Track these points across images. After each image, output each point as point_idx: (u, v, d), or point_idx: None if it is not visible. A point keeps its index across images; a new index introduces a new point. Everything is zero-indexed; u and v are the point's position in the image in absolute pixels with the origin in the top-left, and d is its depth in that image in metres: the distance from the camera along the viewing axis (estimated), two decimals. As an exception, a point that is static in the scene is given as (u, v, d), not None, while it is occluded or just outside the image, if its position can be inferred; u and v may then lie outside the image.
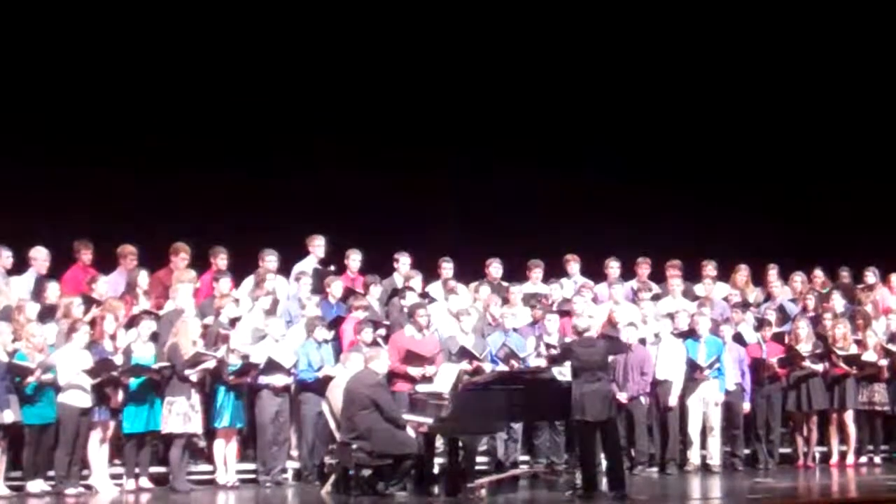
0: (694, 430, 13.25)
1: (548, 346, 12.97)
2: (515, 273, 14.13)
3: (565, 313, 13.46)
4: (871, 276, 15.02)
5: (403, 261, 13.74)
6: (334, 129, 15.71)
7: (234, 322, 12.26)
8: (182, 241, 12.91)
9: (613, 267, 14.35)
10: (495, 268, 13.99)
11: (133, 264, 12.69)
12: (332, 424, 11.61)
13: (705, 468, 13.26)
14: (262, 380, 12.03)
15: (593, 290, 14.06)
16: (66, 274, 12.53)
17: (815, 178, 17.41)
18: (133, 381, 11.65)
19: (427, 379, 12.19)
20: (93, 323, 11.71)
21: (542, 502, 11.84)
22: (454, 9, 16.34)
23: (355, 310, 12.65)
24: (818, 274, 15.14)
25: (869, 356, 13.75)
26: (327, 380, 12.00)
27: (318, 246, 13.52)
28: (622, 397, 12.80)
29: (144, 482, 11.83)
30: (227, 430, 12.00)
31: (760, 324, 13.88)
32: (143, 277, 12.45)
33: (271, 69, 15.57)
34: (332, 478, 11.60)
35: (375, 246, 13.91)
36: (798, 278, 14.92)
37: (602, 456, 11.47)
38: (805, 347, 13.64)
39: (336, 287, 12.96)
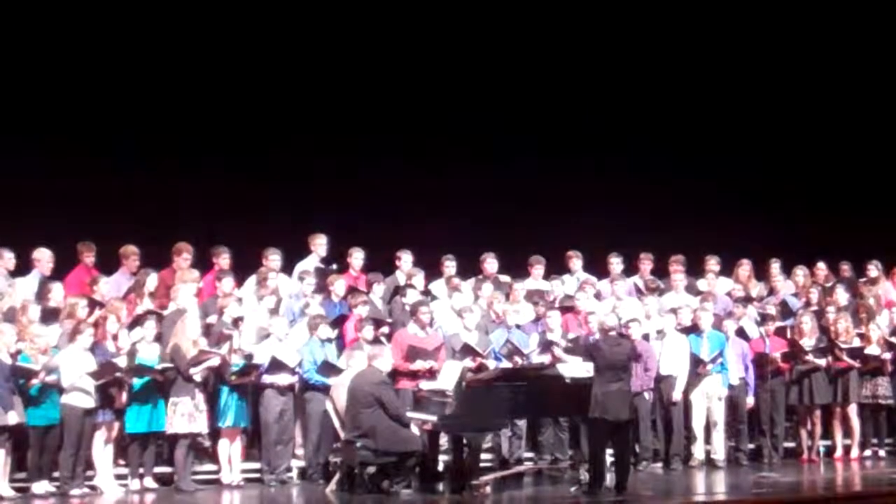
0: (698, 425, 13.25)
1: (550, 342, 12.96)
2: (518, 270, 14.12)
3: (567, 310, 13.48)
4: (873, 269, 15.01)
5: (405, 259, 13.74)
6: (336, 127, 15.71)
7: (236, 321, 12.27)
8: (184, 241, 12.91)
9: (616, 263, 14.37)
10: (490, 263, 13.96)
11: (136, 265, 12.70)
12: (337, 423, 11.62)
13: (709, 463, 13.26)
14: (267, 379, 12.04)
15: (596, 286, 14.06)
16: (70, 275, 12.53)
17: (817, 173, 17.40)
18: (137, 382, 11.65)
19: (431, 375, 12.20)
20: (95, 324, 11.71)
21: (546, 499, 11.83)
22: (453, 8, 16.34)
23: (355, 306, 12.65)
24: (821, 268, 15.12)
25: (872, 350, 13.75)
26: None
27: (319, 244, 13.54)
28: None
29: (149, 482, 11.83)
30: (231, 430, 12.00)
31: (763, 318, 13.88)
32: (152, 279, 12.43)
33: (272, 69, 15.57)
34: (337, 476, 11.62)
35: (378, 244, 13.91)
36: (800, 272, 14.91)
37: (610, 452, 11.47)
38: (808, 342, 13.65)
39: (339, 286, 12.96)
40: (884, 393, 13.77)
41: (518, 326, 13.13)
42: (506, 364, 12.57)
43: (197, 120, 15.05)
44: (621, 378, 11.15)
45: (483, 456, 12.06)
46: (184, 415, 11.59)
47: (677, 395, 13.13)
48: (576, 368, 11.70)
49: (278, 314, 12.51)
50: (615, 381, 11.08)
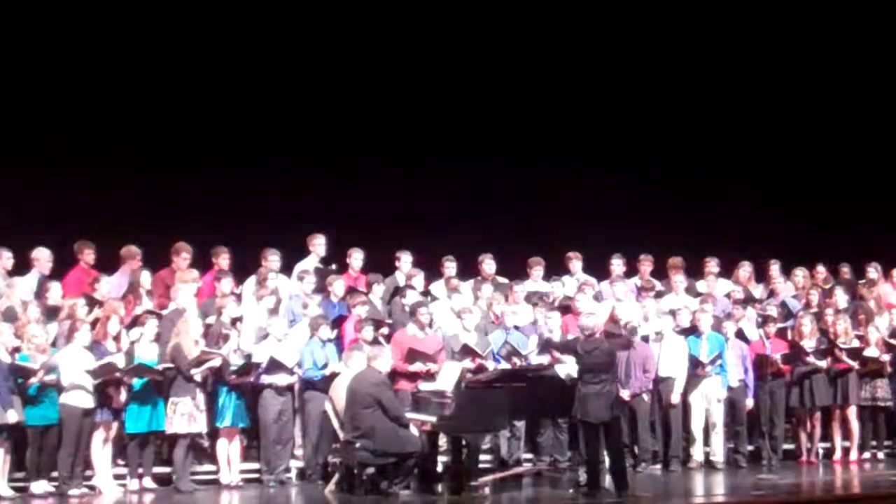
0: (697, 427, 13.25)
1: (548, 341, 12.96)
2: (518, 271, 14.12)
3: (567, 310, 13.48)
4: (872, 271, 15.00)
5: (405, 259, 13.74)
6: (336, 127, 15.72)
7: (235, 322, 12.26)
8: (184, 241, 12.91)
9: (617, 264, 14.36)
10: (488, 264, 13.95)
11: (139, 265, 12.69)
12: (336, 423, 11.61)
13: (708, 465, 13.25)
14: (265, 379, 12.03)
15: (595, 287, 14.06)
16: (68, 275, 12.52)
17: (816, 174, 17.41)
18: (136, 381, 11.65)
19: (430, 376, 12.20)
20: (95, 323, 11.71)
21: (545, 500, 11.84)
22: (453, 10, 16.34)
23: (354, 307, 12.64)
24: (820, 270, 15.12)
25: (871, 352, 13.74)
26: (332, 378, 11.99)
27: (318, 245, 13.53)
28: (625, 394, 12.77)
29: (148, 482, 11.83)
30: (230, 430, 12.00)
31: (764, 320, 13.88)
32: (146, 277, 12.45)
33: (272, 69, 15.58)
34: (336, 477, 11.61)
35: (377, 245, 13.91)
36: (800, 274, 14.91)
37: (605, 454, 11.48)
38: (809, 343, 13.64)
39: (338, 286, 12.96)
40: (883, 395, 13.76)
41: (517, 328, 13.13)
42: (505, 365, 12.57)
43: (197, 120, 15.05)
44: (602, 380, 11.14)
45: (482, 457, 12.07)
46: (184, 415, 11.58)
47: (675, 398, 13.11)
48: (574, 370, 11.70)
49: (277, 314, 12.50)
50: (595, 382, 11.09)
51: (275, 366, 12.00)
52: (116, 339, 11.79)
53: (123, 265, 12.78)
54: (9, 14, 14.39)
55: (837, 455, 13.77)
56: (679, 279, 14.23)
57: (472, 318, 12.94)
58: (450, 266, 13.88)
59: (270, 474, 12.10)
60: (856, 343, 13.77)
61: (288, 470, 12.32)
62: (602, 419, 11.08)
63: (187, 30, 15.12)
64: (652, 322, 13.50)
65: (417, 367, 12.35)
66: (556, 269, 14.40)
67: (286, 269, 13.28)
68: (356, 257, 13.56)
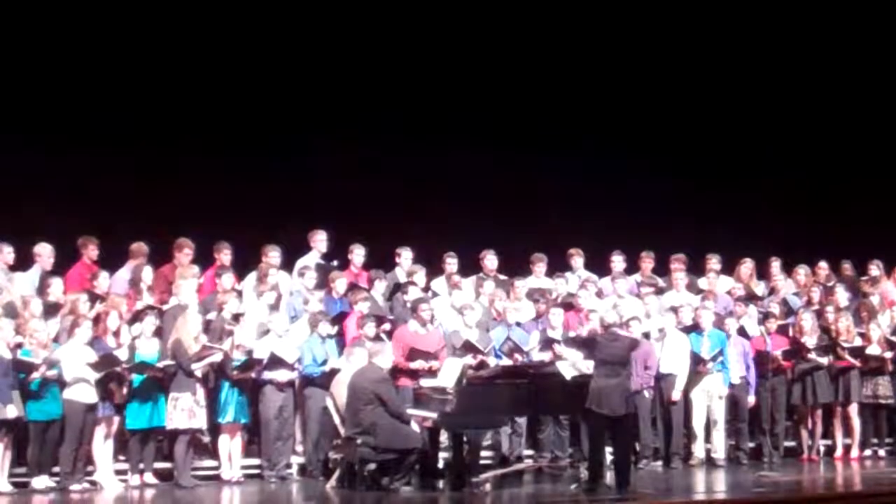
0: (698, 424, 13.25)
1: (550, 339, 12.95)
2: (521, 268, 14.11)
3: (569, 307, 13.48)
4: (874, 269, 14.99)
5: (405, 255, 13.73)
6: (336, 124, 15.71)
7: (237, 317, 12.26)
8: (185, 237, 12.91)
9: (618, 261, 14.36)
10: (490, 260, 13.95)
11: (144, 261, 12.67)
12: (337, 419, 11.61)
13: (709, 462, 13.26)
14: (266, 375, 12.03)
15: (597, 284, 14.06)
16: (71, 271, 12.51)
17: (818, 172, 17.40)
18: (135, 378, 11.64)
19: (431, 373, 12.20)
20: (96, 319, 11.70)
21: (546, 496, 11.81)
22: (453, 7, 16.33)
23: (356, 303, 12.63)
24: (822, 267, 15.11)
25: (873, 349, 13.74)
26: (333, 374, 12.00)
27: (320, 241, 13.53)
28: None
29: (149, 478, 11.83)
30: (231, 426, 12.00)
31: (766, 317, 13.87)
32: (147, 273, 12.44)
33: (272, 67, 15.58)
34: (337, 473, 11.60)
35: (378, 241, 13.90)
36: (802, 271, 14.90)
37: (610, 450, 11.47)
38: (810, 340, 13.64)
39: (340, 282, 12.96)
40: (884, 392, 13.76)
41: (518, 324, 13.12)
42: (506, 362, 12.56)
43: (199, 116, 15.05)
44: (619, 374, 11.15)
45: (483, 453, 12.06)
46: (184, 410, 11.58)
47: (677, 395, 13.11)
48: (575, 367, 11.70)
49: (278, 310, 12.50)
50: (612, 376, 11.10)
51: (275, 362, 12.00)
52: (116, 334, 11.77)
53: (130, 260, 12.76)
54: (15, 12, 14.39)
55: (839, 452, 13.77)
56: (680, 276, 14.23)
57: (473, 315, 12.93)
58: (451, 262, 13.86)
59: (271, 470, 12.11)
60: (858, 341, 13.77)
61: (289, 466, 12.33)
62: (616, 413, 11.08)
63: (188, 27, 15.12)
64: (653, 319, 13.50)
65: (419, 364, 12.34)
66: (558, 265, 14.39)
67: (287, 265, 13.27)
68: (358, 253, 13.56)
